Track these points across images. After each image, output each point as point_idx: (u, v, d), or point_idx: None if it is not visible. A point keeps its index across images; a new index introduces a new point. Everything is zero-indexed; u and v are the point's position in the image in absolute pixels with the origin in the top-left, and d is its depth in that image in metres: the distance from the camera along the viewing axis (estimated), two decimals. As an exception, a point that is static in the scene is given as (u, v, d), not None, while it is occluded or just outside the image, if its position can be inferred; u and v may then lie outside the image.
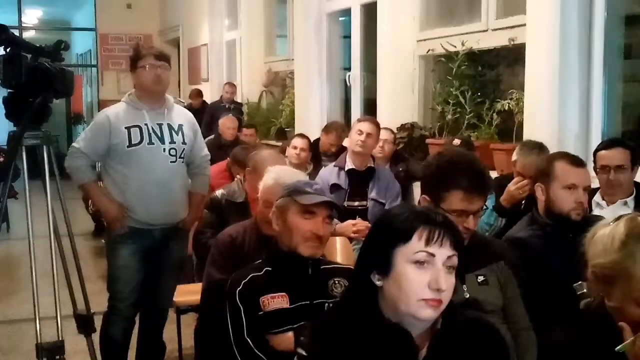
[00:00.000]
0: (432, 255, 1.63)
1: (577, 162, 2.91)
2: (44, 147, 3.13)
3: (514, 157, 3.99)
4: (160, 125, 3.80)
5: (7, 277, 6.49)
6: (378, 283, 1.69)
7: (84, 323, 3.50)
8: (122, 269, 3.82)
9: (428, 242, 1.64)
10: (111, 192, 3.78)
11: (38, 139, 3.10)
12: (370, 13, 6.74)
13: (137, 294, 3.89)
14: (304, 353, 1.77)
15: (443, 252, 1.64)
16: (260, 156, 3.80)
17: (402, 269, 1.64)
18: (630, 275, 1.68)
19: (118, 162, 3.75)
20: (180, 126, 3.87)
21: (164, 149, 3.78)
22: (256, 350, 2.42)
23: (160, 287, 3.99)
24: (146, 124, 3.75)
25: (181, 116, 3.97)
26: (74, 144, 3.79)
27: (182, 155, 3.86)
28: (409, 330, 1.67)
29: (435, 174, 2.49)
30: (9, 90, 3.15)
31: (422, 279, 1.62)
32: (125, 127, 3.72)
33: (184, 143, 3.86)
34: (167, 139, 3.80)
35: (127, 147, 3.71)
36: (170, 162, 3.80)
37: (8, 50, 3.05)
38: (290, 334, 2.45)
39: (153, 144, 3.75)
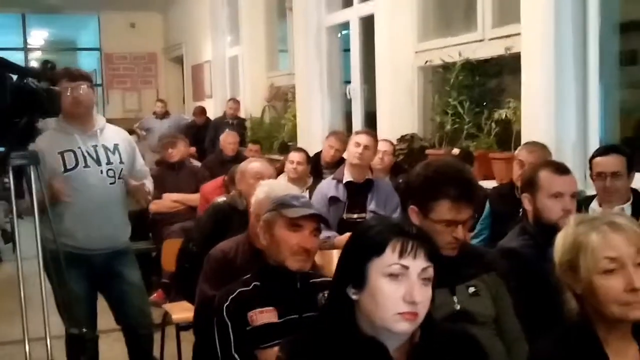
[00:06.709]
0: (406, 267, 1.61)
1: (561, 169, 2.88)
2: (31, 167, 3.11)
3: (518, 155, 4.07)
4: (95, 147, 3.70)
5: (12, 297, 6.46)
6: (354, 297, 1.67)
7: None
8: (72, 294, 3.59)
9: (401, 255, 1.61)
10: (51, 220, 3.49)
11: (25, 158, 3.08)
12: (369, 26, 6.73)
13: (94, 319, 3.80)
14: (282, 368, 1.75)
15: (417, 264, 1.61)
16: (244, 164, 4.01)
17: (376, 283, 1.62)
18: (586, 245, 1.76)
19: None
20: (115, 146, 3.78)
21: (102, 171, 3.68)
22: (244, 366, 2.40)
23: (129, 314, 3.90)
24: (79, 148, 3.65)
25: (116, 135, 3.88)
26: None
27: (121, 176, 3.76)
28: (386, 343, 1.64)
29: (422, 184, 2.46)
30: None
31: (397, 293, 1.60)
32: (59, 153, 3.63)
33: (121, 162, 3.76)
34: (103, 160, 3.70)
35: (63, 172, 3.60)
36: (110, 183, 3.71)
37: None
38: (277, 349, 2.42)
39: (89, 167, 3.66)
